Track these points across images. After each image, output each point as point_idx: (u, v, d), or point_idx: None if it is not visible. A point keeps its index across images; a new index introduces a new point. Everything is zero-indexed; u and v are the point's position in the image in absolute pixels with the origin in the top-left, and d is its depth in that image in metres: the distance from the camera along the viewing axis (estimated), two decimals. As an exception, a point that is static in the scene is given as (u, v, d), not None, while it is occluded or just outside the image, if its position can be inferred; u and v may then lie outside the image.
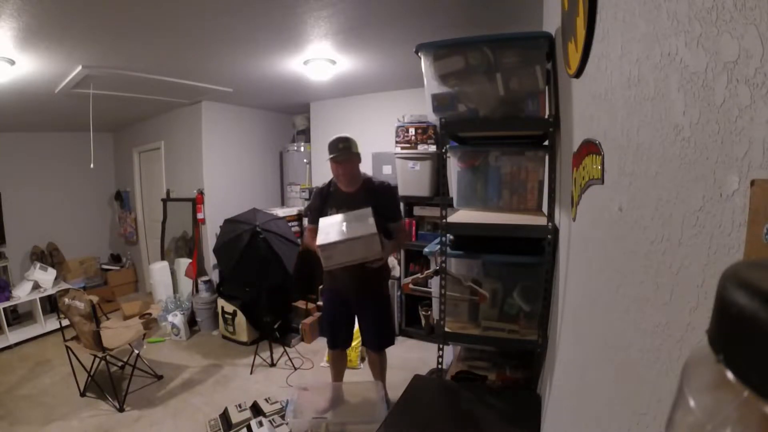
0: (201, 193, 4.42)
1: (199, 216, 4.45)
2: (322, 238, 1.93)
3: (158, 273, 4.56)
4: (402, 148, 3.59)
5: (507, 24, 2.35)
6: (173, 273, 4.65)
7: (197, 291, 4.27)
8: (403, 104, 3.98)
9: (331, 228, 2.02)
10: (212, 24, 2.29)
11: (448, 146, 1.79)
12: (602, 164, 0.78)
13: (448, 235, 1.73)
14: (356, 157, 2.25)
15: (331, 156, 2.21)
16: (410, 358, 3.41)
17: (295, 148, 5.00)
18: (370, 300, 2.39)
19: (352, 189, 2.27)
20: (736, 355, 0.17)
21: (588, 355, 0.87)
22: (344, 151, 2.18)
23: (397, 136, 3.61)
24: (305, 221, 3.44)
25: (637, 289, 0.59)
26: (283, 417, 2.53)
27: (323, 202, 2.34)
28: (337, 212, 2.19)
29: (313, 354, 3.58)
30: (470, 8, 2.20)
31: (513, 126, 1.65)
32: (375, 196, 2.21)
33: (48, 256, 4.97)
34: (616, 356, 0.68)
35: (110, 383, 2.86)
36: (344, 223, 2.04)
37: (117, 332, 3.10)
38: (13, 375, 3.36)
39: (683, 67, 0.45)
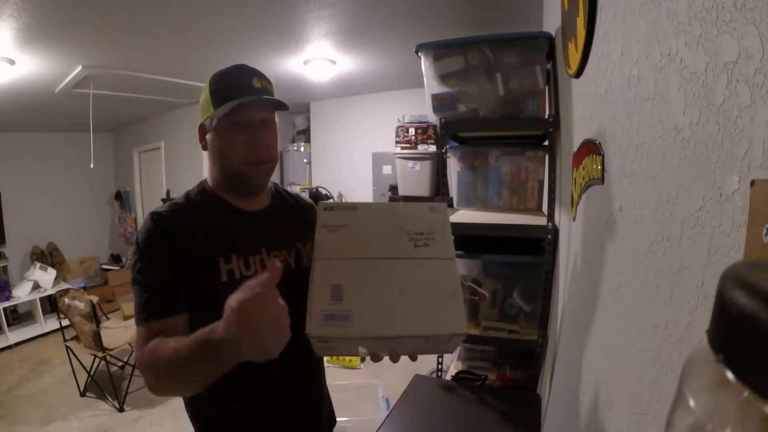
0: (201, 193, 4.43)
1: (199, 216, 4.46)
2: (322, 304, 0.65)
3: (158, 273, 4.56)
4: (402, 148, 3.59)
5: (507, 24, 2.35)
6: (173, 273, 4.65)
7: (197, 291, 4.27)
8: (403, 104, 3.98)
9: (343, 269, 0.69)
10: (212, 24, 2.29)
11: (448, 146, 1.79)
12: (602, 164, 0.78)
13: (448, 235, 1.73)
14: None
15: (236, 106, 0.78)
16: (410, 358, 3.41)
17: (295, 148, 5.00)
18: None
19: (258, 204, 0.92)
20: (736, 355, 0.17)
21: (588, 355, 0.87)
22: (266, 93, 0.85)
23: (397, 136, 3.62)
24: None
25: (637, 289, 0.59)
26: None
27: (175, 249, 0.80)
28: (239, 268, 0.82)
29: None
30: (470, 8, 2.21)
31: (513, 126, 1.65)
32: (301, 221, 0.91)
33: (48, 256, 4.97)
34: (616, 356, 0.68)
35: (110, 383, 2.86)
36: (385, 258, 0.70)
37: (117, 332, 3.10)
38: (13, 375, 3.37)
39: (683, 67, 0.45)
